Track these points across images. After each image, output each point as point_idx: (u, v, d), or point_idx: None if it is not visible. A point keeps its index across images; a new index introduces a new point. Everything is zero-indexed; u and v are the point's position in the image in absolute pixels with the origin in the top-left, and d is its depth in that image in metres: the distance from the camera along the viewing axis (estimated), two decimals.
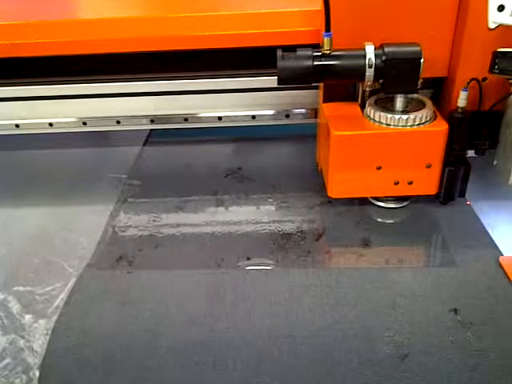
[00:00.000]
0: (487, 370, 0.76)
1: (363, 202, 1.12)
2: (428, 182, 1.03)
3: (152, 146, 1.44)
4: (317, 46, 0.95)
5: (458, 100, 0.97)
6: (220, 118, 1.29)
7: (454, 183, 1.05)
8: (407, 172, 1.01)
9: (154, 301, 0.91)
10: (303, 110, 1.28)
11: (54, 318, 0.88)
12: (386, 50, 0.91)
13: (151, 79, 1.23)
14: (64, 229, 1.12)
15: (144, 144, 1.44)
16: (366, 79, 0.92)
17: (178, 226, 1.10)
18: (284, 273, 0.95)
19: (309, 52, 0.93)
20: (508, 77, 0.91)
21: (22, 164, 1.40)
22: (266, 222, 1.09)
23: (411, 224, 1.07)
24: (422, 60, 0.90)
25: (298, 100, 1.25)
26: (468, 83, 0.95)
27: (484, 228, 1.04)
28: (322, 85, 1.09)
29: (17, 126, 1.31)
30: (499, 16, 0.84)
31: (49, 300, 0.93)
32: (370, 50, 0.91)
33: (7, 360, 0.82)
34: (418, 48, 0.91)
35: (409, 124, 0.96)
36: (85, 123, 1.31)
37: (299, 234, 1.06)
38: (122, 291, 0.93)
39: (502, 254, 0.96)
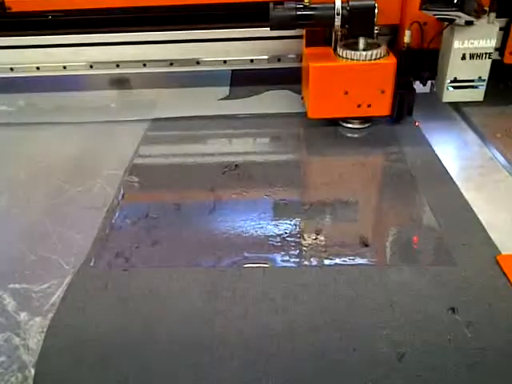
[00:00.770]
0: (485, 369, 0.76)
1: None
2: (383, 105, 1.35)
3: (148, 145, 1.44)
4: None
5: (404, 38, 1.31)
6: (225, 62, 1.62)
7: (403, 104, 1.36)
8: (367, 96, 1.33)
9: (151, 298, 0.90)
10: (293, 56, 1.60)
11: (50, 315, 0.87)
12: (350, 3, 1.23)
13: (172, 29, 1.59)
14: (60, 225, 1.11)
15: (138, 146, 1.43)
16: (336, 25, 1.24)
17: (175, 222, 1.10)
18: (282, 270, 0.95)
19: (293, 4, 1.24)
20: (432, 12, 1.25)
21: (20, 161, 1.40)
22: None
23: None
24: (376, 10, 1.21)
25: (289, 47, 1.58)
26: (411, 25, 1.31)
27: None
28: (304, 34, 1.41)
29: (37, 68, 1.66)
30: None
31: (45, 297, 0.92)
32: (338, 3, 1.23)
33: (2, 358, 0.81)
34: (372, 1, 1.23)
35: (367, 58, 1.29)
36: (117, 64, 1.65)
37: None
38: (118, 288, 0.93)
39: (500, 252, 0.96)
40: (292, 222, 1.08)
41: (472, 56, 1.29)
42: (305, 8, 1.24)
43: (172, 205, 1.16)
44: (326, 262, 0.97)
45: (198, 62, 1.62)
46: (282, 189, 1.19)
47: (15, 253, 1.03)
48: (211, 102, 1.66)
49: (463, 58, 1.28)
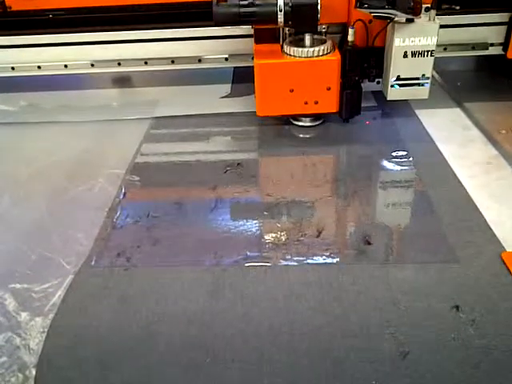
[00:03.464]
0: (490, 367, 0.75)
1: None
2: (329, 102, 1.34)
3: (150, 143, 1.43)
4: None
5: (348, 36, 1.30)
6: (227, 59, 1.62)
7: (350, 103, 1.36)
8: (313, 93, 1.32)
9: (153, 298, 0.90)
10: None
11: (51, 315, 0.87)
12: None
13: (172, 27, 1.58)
14: (61, 225, 1.11)
15: (140, 145, 1.42)
16: (279, 21, 1.23)
17: (177, 221, 1.09)
18: (283, 269, 0.94)
19: (236, 1, 1.22)
20: (367, 10, 1.23)
21: (20, 160, 1.39)
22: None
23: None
24: (318, 7, 1.21)
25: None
26: (354, 23, 1.29)
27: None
28: (253, 31, 1.40)
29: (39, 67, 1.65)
30: None
31: (46, 297, 0.91)
32: (280, 0, 1.21)
33: (3, 358, 0.81)
34: None
35: (311, 55, 1.29)
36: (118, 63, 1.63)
37: None
38: (120, 288, 0.92)
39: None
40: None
41: (414, 54, 1.27)
42: (248, 5, 1.22)
43: (173, 204, 1.15)
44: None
45: (199, 60, 1.62)
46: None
47: (16, 252, 1.03)
48: (213, 100, 1.65)
49: (405, 55, 1.28)
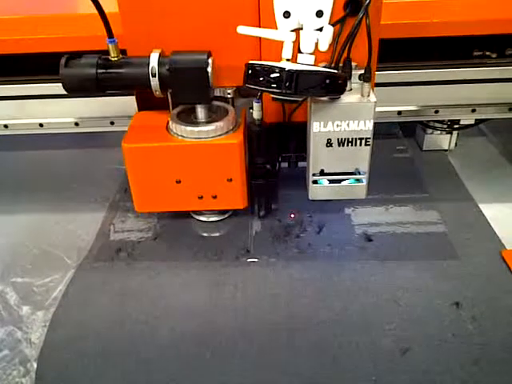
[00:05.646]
0: (489, 364, 0.75)
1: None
2: (233, 196, 0.98)
3: None
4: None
5: (253, 112, 0.92)
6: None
7: (264, 197, 1.04)
8: (209, 186, 0.96)
9: (153, 292, 0.90)
10: None
11: (52, 309, 0.88)
12: (172, 57, 0.85)
13: None
14: (63, 220, 1.11)
15: None
16: (153, 89, 0.86)
17: (178, 217, 1.09)
18: (284, 265, 0.94)
19: (93, 59, 0.86)
20: (260, 88, 0.78)
21: (21, 160, 1.39)
22: None
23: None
24: (209, 69, 0.85)
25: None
26: (260, 94, 0.89)
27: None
28: (135, 92, 1.02)
29: (5, 126, 1.19)
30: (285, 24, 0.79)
31: (47, 291, 0.92)
32: (153, 58, 0.85)
33: (5, 352, 0.81)
34: (204, 56, 0.85)
35: (203, 136, 0.91)
36: (77, 124, 1.17)
37: None
38: (120, 283, 0.92)
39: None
40: None
41: (341, 142, 0.88)
42: (109, 65, 0.86)
43: None
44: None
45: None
46: None
47: (17, 247, 1.03)
48: None
49: (329, 144, 0.88)
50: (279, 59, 0.79)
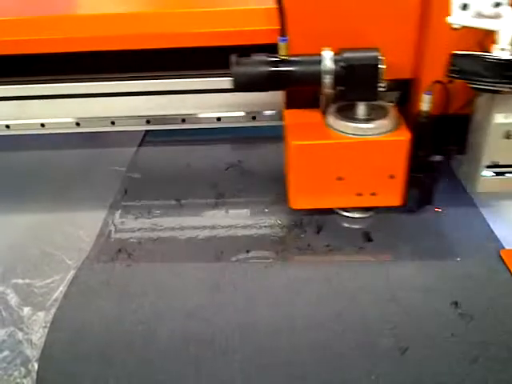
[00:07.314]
0: (487, 362, 0.75)
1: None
2: (392, 194, 0.98)
3: (148, 146, 1.41)
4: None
5: (422, 104, 0.92)
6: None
7: (421, 191, 1.01)
8: (370, 183, 0.96)
9: (154, 293, 0.90)
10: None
11: (53, 310, 0.88)
12: (345, 55, 0.87)
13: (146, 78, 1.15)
14: (63, 221, 1.11)
15: (139, 145, 1.40)
16: (325, 86, 0.88)
17: (178, 218, 1.10)
18: (283, 266, 0.95)
19: (264, 58, 0.89)
20: (465, 80, 0.82)
21: (22, 161, 1.39)
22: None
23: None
24: (380, 66, 0.86)
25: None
26: (431, 86, 0.91)
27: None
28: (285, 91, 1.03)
29: (7, 126, 1.23)
30: (462, 16, 0.80)
31: (48, 292, 0.92)
32: (327, 56, 0.87)
33: (6, 352, 0.82)
34: (376, 53, 0.86)
35: (369, 133, 0.92)
36: (78, 124, 1.21)
37: None
38: (121, 284, 0.93)
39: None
40: None
41: None
42: (280, 62, 0.89)
43: (174, 200, 1.15)
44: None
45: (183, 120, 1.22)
46: None
47: (18, 248, 1.04)
48: None
49: (508, 136, 0.90)
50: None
